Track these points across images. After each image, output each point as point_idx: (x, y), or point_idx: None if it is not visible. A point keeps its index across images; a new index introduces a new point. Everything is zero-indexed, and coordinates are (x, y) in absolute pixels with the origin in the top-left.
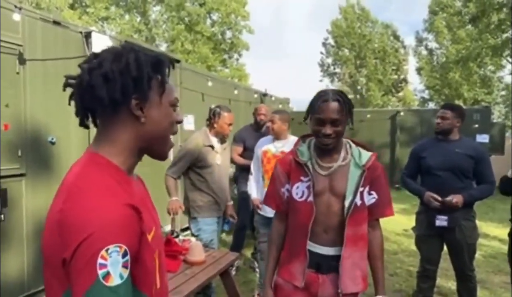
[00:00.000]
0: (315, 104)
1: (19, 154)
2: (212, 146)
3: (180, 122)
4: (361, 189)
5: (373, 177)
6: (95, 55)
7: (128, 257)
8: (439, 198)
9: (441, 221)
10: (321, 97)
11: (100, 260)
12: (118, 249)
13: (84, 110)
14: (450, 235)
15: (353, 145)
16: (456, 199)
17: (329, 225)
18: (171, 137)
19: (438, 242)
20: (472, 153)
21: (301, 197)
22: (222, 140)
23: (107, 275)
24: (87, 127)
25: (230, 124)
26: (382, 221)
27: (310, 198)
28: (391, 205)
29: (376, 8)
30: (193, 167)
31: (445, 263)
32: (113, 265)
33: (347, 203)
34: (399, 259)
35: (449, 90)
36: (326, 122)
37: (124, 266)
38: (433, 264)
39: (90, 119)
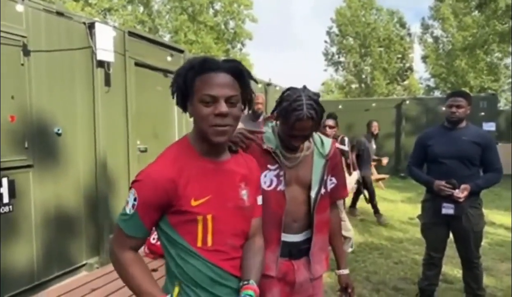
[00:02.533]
0: (289, 117)
1: (26, 145)
2: None
3: (218, 114)
4: (325, 178)
5: (334, 164)
6: None
7: (136, 202)
8: (454, 193)
9: (448, 209)
10: (294, 112)
11: (129, 193)
12: (134, 192)
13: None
14: (457, 222)
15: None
16: (462, 193)
17: (297, 215)
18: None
19: (444, 230)
20: (479, 140)
21: (270, 185)
22: None
23: (127, 203)
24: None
25: None
26: (387, 209)
27: (281, 187)
28: (346, 185)
29: None
30: None
31: (451, 250)
32: (129, 200)
33: (313, 194)
34: (404, 247)
35: (455, 78)
36: (299, 137)
37: (132, 205)
38: (438, 251)
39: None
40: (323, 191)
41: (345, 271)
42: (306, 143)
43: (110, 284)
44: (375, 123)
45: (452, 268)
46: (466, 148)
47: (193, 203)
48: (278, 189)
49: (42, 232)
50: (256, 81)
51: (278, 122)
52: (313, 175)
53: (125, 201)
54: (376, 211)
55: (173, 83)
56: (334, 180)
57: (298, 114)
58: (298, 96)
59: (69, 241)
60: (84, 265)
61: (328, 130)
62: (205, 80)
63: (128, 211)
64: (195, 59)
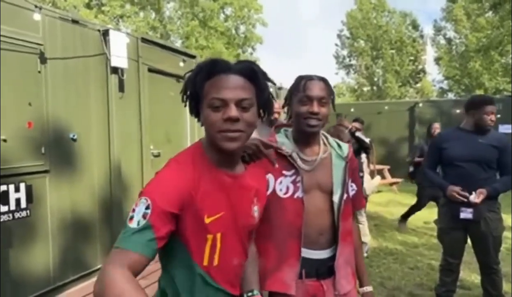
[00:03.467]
0: (299, 84)
1: (43, 151)
2: None
3: (227, 119)
4: (346, 182)
5: (353, 168)
6: None
7: (149, 211)
8: (465, 194)
9: (466, 213)
10: (304, 78)
11: (134, 206)
12: (144, 201)
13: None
14: (475, 227)
15: (329, 136)
16: (478, 197)
17: (322, 226)
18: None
19: (462, 234)
20: (496, 143)
21: (286, 193)
22: None
23: (134, 216)
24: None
25: None
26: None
27: (298, 194)
28: (363, 196)
29: None
30: None
31: (468, 256)
32: (138, 212)
33: (336, 198)
34: (419, 252)
35: (469, 80)
36: (314, 99)
37: (142, 216)
38: (456, 257)
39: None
40: (345, 195)
41: (369, 288)
42: (323, 147)
43: None
44: (436, 125)
45: (469, 273)
46: (483, 151)
47: (206, 220)
48: (296, 196)
49: (58, 236)
50: (273, 82)
51: (291, 119)
52: (334, 177)
53: None
54: (406, 216)
55: (184, 89)
56: (354, 186)
57: (308, 77)
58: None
59: (84, 245)
60: (98, 269)
61: (357, 133)
62: (214, 83)
63: (134, 225)
64: (204, 62)
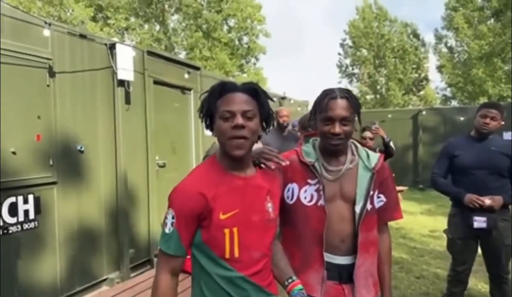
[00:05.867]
0: (322, 102)
1: (51, 162)
2: None
3: (235, 127)
4: (371, 193)
5: (382, 179)
6: None
7: (174, 219)
8: (484, 201)
9: (480, 222)
10: (328, 95)
11: (166, 214)
12: (171, 211)
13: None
14: (487, 236)
15: (359, 146)
16: (494, 201)
17: (345, 233)
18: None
19: (474, 244)
20: (507, 150)
21: (310, 201)
22: None
23: (165, 225)
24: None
25: None
26: (407, 222)
27: (321, 202)
28: (399, 207)
29: (391, 6)
30: None
31: (475, 264)
32: (168, 220)
33: (358, 209)
34: (425, 261)
35: (472, 87)
36: (335, 120)
37: (170, 224)
38: (467, 267)
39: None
40: (369, 206)
41: None
42: (349, 156)
43: None
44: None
45: (476, 282)
46: (496, 159)
47: (221, 217)
48: (319, 204)
49: (65, 246)
50: (272, 99)
51: (318, 130)
52: (358, 188)
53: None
54: None
55: (200, 109)
56: (382, 197)
57: (331, 93)
58: (329, 88)
59: (91, 256)
60: (105, 280)
61: (369, 142)
62: (224, 100)
63: (167, 231)
64: (216, 84)
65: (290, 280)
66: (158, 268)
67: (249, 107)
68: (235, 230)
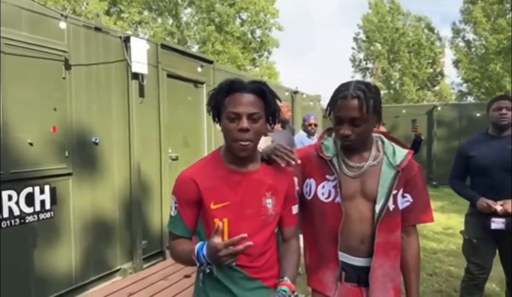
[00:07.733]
0: (336, 98)
1: (66, 154)
2: None
3: (241, 130)
4: (394, 192)
5: (408, 178)
6: None
7: (177, 204)
8: (497, 207)
9: (497, 223)
10: (340, 93)
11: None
12: (173, 196)
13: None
14: (505, 238)
15: (386, 141)
16: (507, 205)
17: (364, 234)
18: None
19: (492, 246)
20: None
21: (328, 197)
22: None
23: (171, 209)
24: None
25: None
26: None
27: (338, 199)
28: (429, 209)
29: (403, 0)
30: None
31: None
32: (172, 205)
33: (377, 208)
34: (438, 258)
35: (489, 82)
36: (345, 121)
37: (174, 208)
38: (484, 272)
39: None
40: (391, 206)
41: None
42: (374, 152)
43: (146, 289)
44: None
45: (490, 282)
46: None
47: (212, 206)
48: (336, 201)
49: (80, 237)
50: (279, 99)
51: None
52: (380, 186)
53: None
54: None
55: (208, 103)
56: (409, 197)
57: (343, 91)
58: (347, 82)
59: (105, 246)
60: (118, 270)
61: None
62: (231, 100)
63: (172, 214)
64: (224, 82)
65: (280, 280)
66: (169, 245)
67: (255, 109)
68: (225, 220)
